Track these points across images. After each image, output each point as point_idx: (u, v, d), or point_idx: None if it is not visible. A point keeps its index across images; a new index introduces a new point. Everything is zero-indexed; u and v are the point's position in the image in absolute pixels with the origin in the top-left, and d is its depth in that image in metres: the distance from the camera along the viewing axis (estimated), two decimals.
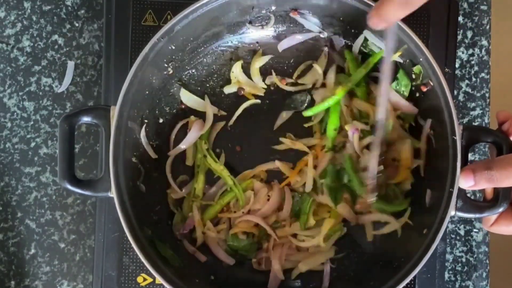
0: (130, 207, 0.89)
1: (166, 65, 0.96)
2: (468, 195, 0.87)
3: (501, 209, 0.84)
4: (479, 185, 0.83)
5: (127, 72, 0.88)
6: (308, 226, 0.99)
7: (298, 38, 1.01)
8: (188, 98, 1.00)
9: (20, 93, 1.05)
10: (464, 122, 1.07)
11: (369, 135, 0.96)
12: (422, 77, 0.91)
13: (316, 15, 0.97)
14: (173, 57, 0.95)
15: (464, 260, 1.06)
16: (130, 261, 0.99)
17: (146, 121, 0.96)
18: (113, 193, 0.86)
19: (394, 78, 0.96)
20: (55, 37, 1.06)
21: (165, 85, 0.98)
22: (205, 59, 1.01)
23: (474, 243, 1.06)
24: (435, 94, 0.88)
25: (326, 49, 1.00)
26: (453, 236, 1.06)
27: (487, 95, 1.07)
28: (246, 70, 1.01)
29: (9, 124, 1.05)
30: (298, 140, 1.00)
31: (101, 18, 1.04)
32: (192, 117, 1.00)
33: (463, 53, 1.07)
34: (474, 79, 1.07)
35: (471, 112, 1.07)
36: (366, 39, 0.96)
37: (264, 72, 1.02)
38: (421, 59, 0.89)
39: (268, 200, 1.00)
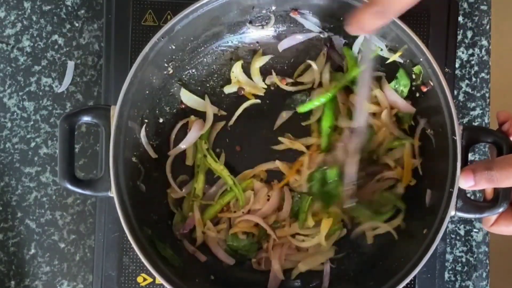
0: (130, 206, 0.89)
1: (166, 64, 0.96)
2: (468, 195, 0.86)
3: (501, 209, 0.84)
4: (479, 185, 0.83)
5: (127, 72, 0.88)
6: (307, 226, 0.98)
7: (298, 38, 1.01)
8: (188, 98, 1.00)
9: (20, 93, 1.05)
10: (464, 122, 1.07)
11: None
12: (422, 77, 0.91)
13: (316, 15, 0.97)
14: (173, 56, 0.95)
15: (464, 260, 1.06)
16: (130, 261, 0.99)
17: (146, 120, 0.96)
18: (113, 193, 0.86)
19: (394, 77, 0.96)
20: (55, 37, 1.06)
21: (165, 85, 0.98)
22: (205, 59, 1.01)
23: (474, 243, 1.06)
24: (435, 94, 0.88)
25: (325, 48, 1.00)
26: (453, 236, 1.06)
27: (487, 95, 1.07)
28: (246, 70, 1.01)
29: (9, 124, 1.05)
30: (296, 140, 1.00)
31: (101, 18, 1.04)
32: (192, 117, 1.00)
33: (463, 53, 1.07)
34: (474, 79, 1.07)
35: (471, 112, 1.07)
36: (366, 39, 0.95)
37: (264, 72, 1.02)
38: (421, 59, 0.89)
39: (268, 200, 1.00)
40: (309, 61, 1.00)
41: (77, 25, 1.06)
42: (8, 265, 1.04)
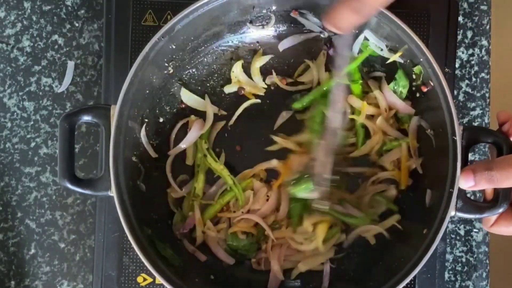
0: (130, 206, 0.89)
1: (166, 64, 0.96)
2: (468, 195, 0.86)
3: (501, 210, 0.84)
4: (479, 186, 0.83)
5: (127, 72, 0.88)
6: (305, 230, 0.98)
7: (299, 38, 1.01)
8: (188, 98, 1.00)
9: (20, 93, 1.05)
10: (464, 122, 1.07)
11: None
12: (423, 78, 0.91)
13: (316, 15, 0.97)
14: (174, 56, 0.95)
15: (464, 260, 1.06)
16: (130, 261, 0.99)
17: (146, 120, 0.96)
18: (113, 192, 0.86)
19: (393, 78, 0.96)
20: (55, 37, 1.06)
21: (165, 85, 0.98)
22: (205, 59, 1.01)
23: (474, 243, 1.06)
24: (435, 94, 0.88)
25: (325, 48, 1.00)
26: (453, 236, 1.06)
27: (487, 95, 1.07)
28: (247, 70, 1.01)
29: (9, 124, 1.05)
30: (288, 138, 1.00)
31: (101, 18, 1.04)
32: (193, 117, 1.00)
33: (463, 53, 1.07)
34: (474, 79, 1.07)
35: (471, 112, 1.07)
36: (366, 39, 0.96)
37: (265, 71, 1.02)
38: (421, 59, 0.89)
39: (268, 200, 1.00)
40: (307, 61, 1.00)
41: (77, 25, 1.06)
42: (8, 265, 1.04)
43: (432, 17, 1.01)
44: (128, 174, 0.90)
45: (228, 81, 1.01)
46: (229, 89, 1.01)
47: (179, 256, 0.95)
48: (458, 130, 0.85)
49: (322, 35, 1.00)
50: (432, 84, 0.89)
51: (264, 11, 0.97)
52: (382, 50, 0.95)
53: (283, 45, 1.01)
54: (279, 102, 1.01)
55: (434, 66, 0.86)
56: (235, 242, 0.98)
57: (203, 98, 1.01)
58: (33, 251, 1.04)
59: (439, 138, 0.91)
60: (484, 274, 1.06)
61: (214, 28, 0.96)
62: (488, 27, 1.08)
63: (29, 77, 1.05)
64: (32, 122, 1.05)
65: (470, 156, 1.05)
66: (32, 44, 1.06)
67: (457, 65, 1.06)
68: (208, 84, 1.01)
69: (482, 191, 0.88)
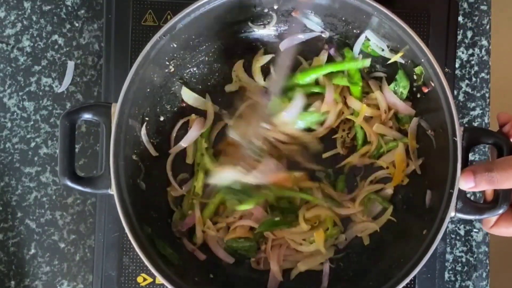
0: (130, 205, 0.89)
1: (167, 63, 0.95)
2: (468, 195, 0.86)
3: (501, 211, 0.84)
4: (479, 187, 0.83)
5: (127, 72, 0.88)
6: (301, 230, 0.98)
7: (300, 37, 1.00)
8: (189, 96, 1.00)
9: (20, 93, 1.05)
10: (464, 122, 1.07)
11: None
12: (424, 78, 0.91)
13: (318, 15, 0.97)
14: (175, 55, 0.95)
15: (464, 260, 1.06)
16: (130, 261, 0.99)
17: (147, 119, 0.95)
18: (113, 190, 0.86)
19: (393, 79, 0.96)
20: (55, 37, 1.06)
21: (166, 83, 0.98)
22: (206, 58, 1.00)
23: (474, 243, 1.07)
24: (436, 95, 0.88)
25: (327, 48, 1.00)
26: (453, 236, 1.07)
27: (487, 95, 1.07)
28: (248, 69, 1.01)
29: (9, 124, 1.05)
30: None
31: (101, 18, 1.04)
32: (193, 116, 1.00)
33: (463, 53, 1.07)
34: (474, 79, 1.07)
35: (471, 112, 1.07)
36: (367, 39, 0.96)
37: (266, 71, 1.01)
38: (422, 60, 0.88)
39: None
40: (304, 62, 1.01)
41: (77, 25, 1.06)
42: (8, 265, 1.04)
43: (432, 17, 1.01)
44: (129, 172, 0.90)
45: (229, 80, 1.01)
46: (230, 88, 1.01)
47: (178, 255, 0.95)
48: (459, 131, 0.85)
49: (323, 35, 0.99)
50: (433, 84, 0.89)
51: (266, 10, 0.97)
52: (383, 50, 0.95)
53: (284, 45, 1.01)
54: None
55: (435, 66, 0.86)
56: (235, 244, 0.98)
57: (204, 97, 1.01)
58: (33, 251, 1.04)
59: (439, 138, 0.91)
60: (484, 274, 1.06)
61: (215, 27, 0.96)
62: (488, 27, 1.08)
63: (29, 77, 1.05)
64: (32, 122, 1.05)
65: (470, 156, 1.05)
66: (32, 44, 1.05)
67: (457, 65, 1.06)
68: (209, 83, 1.01)
69: (482, 192, 0.88)
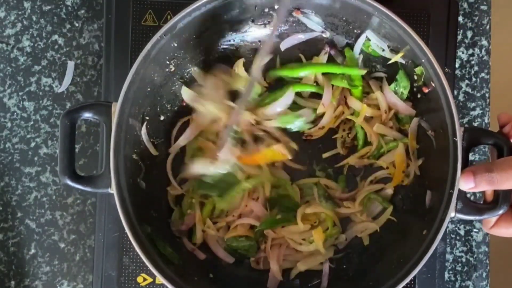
0: (130, 204, 0.89)
1: (168, 62, 0.95)
2: (468, 196, 0.86)
3: (501, 211, 0.84)
4: (479, 187, 0.83)
5: (127, 72, 0.88)
6: (299, 230, 0.98)
7: (301, 37, 1.00)
8: (189, 96, 1.00)
9: (20, 93, 1.05)
10: (464, 122, 1.07)
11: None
12: (424, 78, 0.91)
13: (318, 15, 0.97)
14: (175, 54, 0.95)
15: (464, 260, 1.06)
16: (130, 261, 0.99)
17: (147, 118, 0.95)
18: (113, 190, 0.86)
19: (394, 79, 0.96)
20: (55, 37, 1.06)
21: (166, 82, 0.98)
22: (207, 57, 1.00)
23: (474, 243, 1.07)
24: (436, 95, 0.88)
25: (327, 48, 1.00)
26: (453, 236, 1.07)
27: (487, 95, 1.07)
28: (248, 68, 1.01)
29: (9, 124, 1.05)
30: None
31: (101, 18, 1.04)
32: (193, 115, 1.00)
33: (463, 53, 1.07)
34: (474, 79, 1.07)
35: (471, 112, 1.07)
36: (368, 39, 0.96)
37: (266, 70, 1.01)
38: (423, 60, 0.88)
39: (257, 199, 1.00)
40: (301, 55, 1.01)
41: (77, 25, 1.06)
42: (8, 265, 1.04)
43: (432, 17, 1.01)
44: (129, 171, 0.90)
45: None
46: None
47: (178, 254, 0.95)
48: (459, 131, 0.85)
49: (323, 35, 0.99)
50: (433, 85, 0.89)
51: (266, 10, 0.97)
52: (383, 50, 0.95)
53: (284, 45, 1.01)
54: None
55: (435, 67, 0.86)
56: (235, 243, 0.98)
57: None
58: (33, 251, 1.04)
59: (439, 139, 0.91)
60: (484, 274, 1.06)
61: (216, 26, 0.96)
62: (488, 27, 1.08)
63: (29, 77, 1.05)
64: (32, 122, 1.05)
65: (470, 157, 1.05)
66: (32, 44, 1.05)
67: (457, 65, 1.06)
68: None
69: (482, 193, 0.88)
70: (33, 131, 1.05)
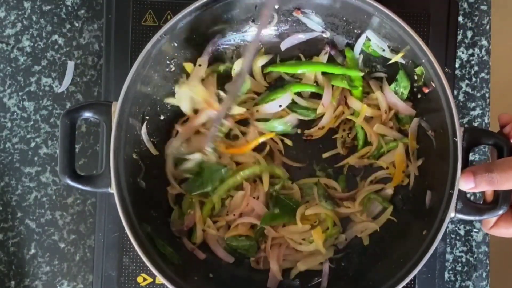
0: (130, 203, 0.89)
1: (168, 62, 0.95)
2: (468, 196, 0.86)
3: (501, 212, 0.84)
4: (479, 187, 0.83)
5: (127, 72, 0.88)
6: (299, 229, 0.99)
7: (301, 37, 1.00)
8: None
9: (20, 93, 1.05)
10: (464, 122, 1.07)
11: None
12: (424, 79, 0.91)
13: (319, 15, 0.97)
14: (175, 54, 0.95)
15: (464, 260, 1.07)
16: (130, 261, 0.99)
17: (147, 117, 0.95)
18: (113, 189, 0.86)
19: (394, 79, 0.96)
20: (55, 37, 1.06)
21: (166, 82, 0.98)
22: (207, 57, 1.00)
23: (474, 243, 1.07)
24: (436, 95, 0.88)
25: (327, 48, 1.00)
26: (453, 236, 1.07)
27: (487, 95, 1.07)
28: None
29: (9, 124, 1.05)
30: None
31: (101, 18, 1.04)
32: (193, 114, 1.00)
33: (463, 53, 1.07)
34: (474, 79, 1.07)
35: (471, 112, 1.07)
36: (368, 39, 0.96)
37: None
38: (423, 60, 0.89)
39: (258, 198, 1.00)
40: (301, 55, 1.01)
41: (77, 25, 1.06)
42: (8, 265, 1.04)
43: (432, 17, 1.01)
44: (129, 171, 0.90)
45: (230, 79, 1.01)
46: None
47: (178, 254, 0.95)
48: (459, 131, 0.85)
49: (324, 35, 0.99)
50: (433, 85, 0.89)
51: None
52: (384, 50, 0.95)
53: (285, 44, 1.01)
54: None
55: (436, 67, 0.86)
56: (235, 242, 0.98)
57: None
58: (33, 251, 1.04)
59: (439, 139, 0.91)
60: (484, 274, 1.06)
61: (216, 26, 0.96)
62: (488, 27, 1.08)
63: (29, 77, 1.05)
64: (32, 122, 1.05)
65: (470, 157, 1.05)
66: (32, 44, 1.05)
67: (457, 65, 1.06)
68: None
69: (482, 193, 0.88)
70: (33, 131, 1.05)
